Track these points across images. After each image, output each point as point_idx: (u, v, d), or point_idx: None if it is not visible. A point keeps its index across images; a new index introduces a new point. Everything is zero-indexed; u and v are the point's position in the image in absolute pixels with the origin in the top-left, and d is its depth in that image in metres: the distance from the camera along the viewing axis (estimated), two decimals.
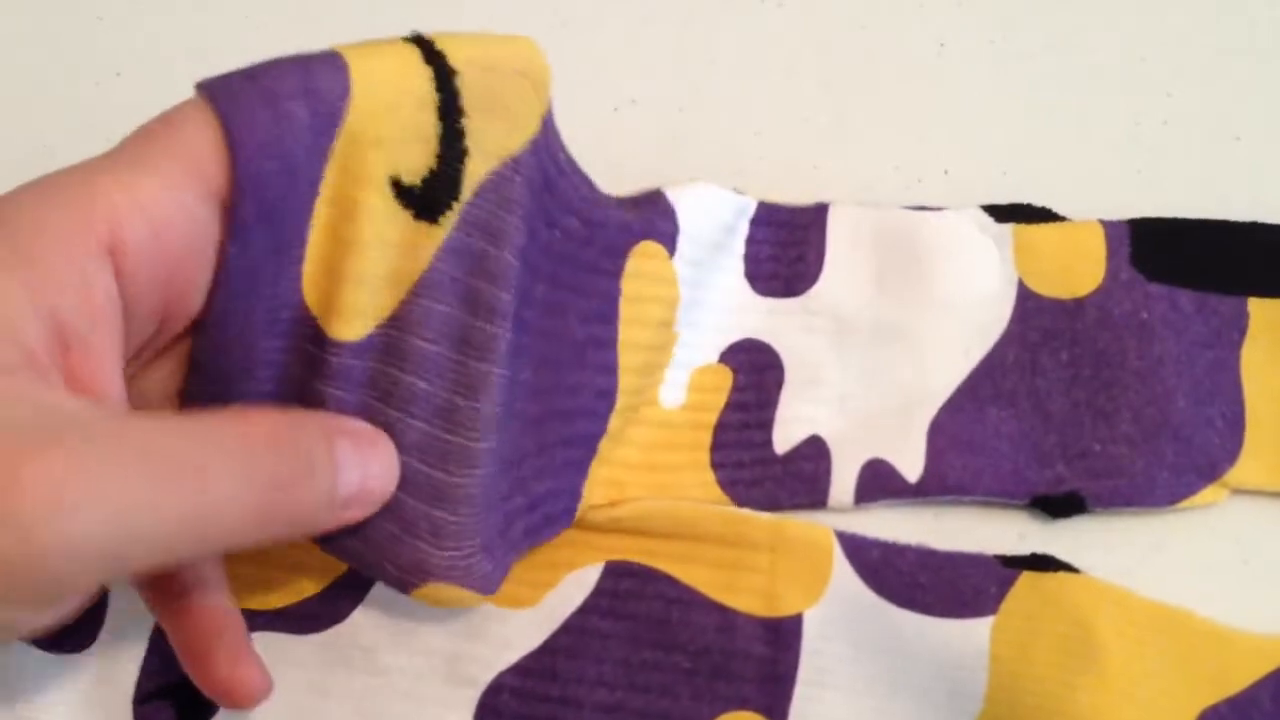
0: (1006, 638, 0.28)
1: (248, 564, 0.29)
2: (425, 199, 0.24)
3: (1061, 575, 0.29)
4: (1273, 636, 0.29)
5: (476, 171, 0.25)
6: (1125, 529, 0.31)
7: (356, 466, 0.24)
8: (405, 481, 0.25)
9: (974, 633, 0.28)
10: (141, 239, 0.21)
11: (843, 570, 0.29)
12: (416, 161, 0.24)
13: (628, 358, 0.29)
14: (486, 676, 0.29)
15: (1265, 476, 0.30)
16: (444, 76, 0.24)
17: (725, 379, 0.31)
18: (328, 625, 0.29)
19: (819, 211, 0.32)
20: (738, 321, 0.32)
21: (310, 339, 0.24)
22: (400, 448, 0.25)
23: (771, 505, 0.30)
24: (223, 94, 0.22)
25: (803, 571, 0.29)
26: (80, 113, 0.36)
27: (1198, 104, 0.35)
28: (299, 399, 0.25)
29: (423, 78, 0.24)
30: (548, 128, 0.26)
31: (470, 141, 0.24)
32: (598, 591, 0.29)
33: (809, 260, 0.32)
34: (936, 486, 0.30)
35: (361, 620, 0.29)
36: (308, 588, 0.29)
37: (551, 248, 0.27)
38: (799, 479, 0.30)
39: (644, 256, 0.29)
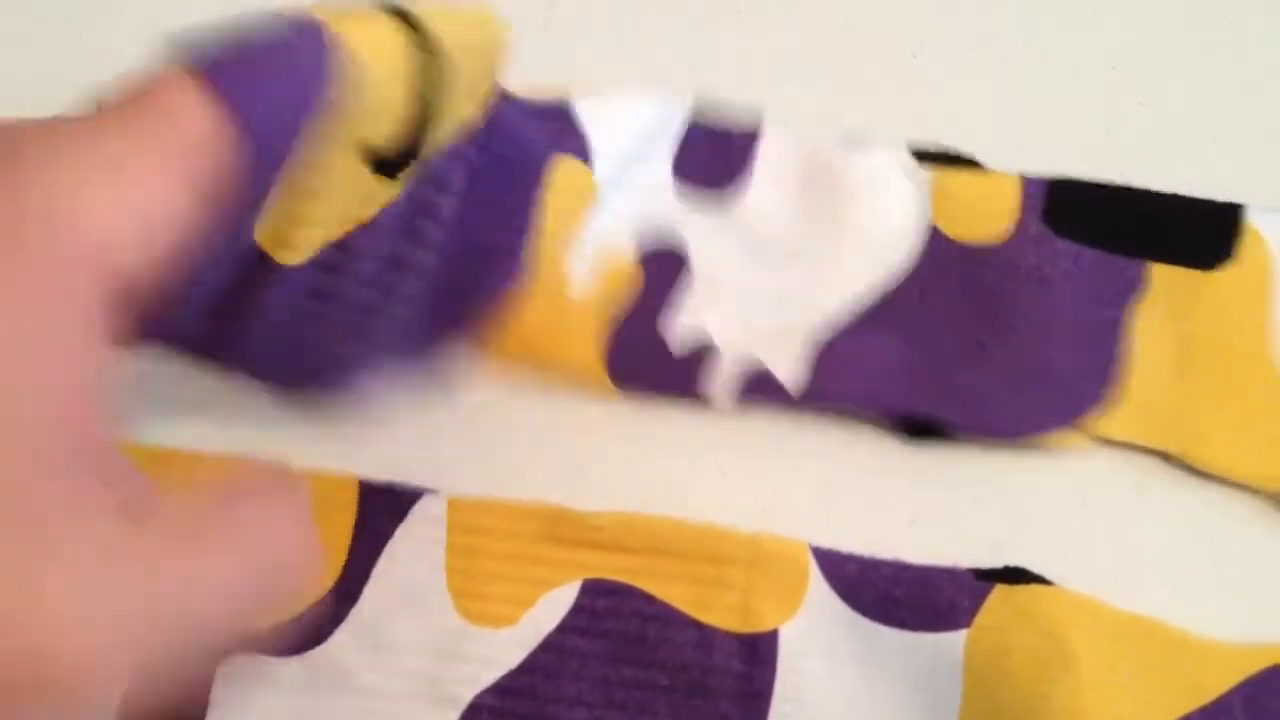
0: (980, 650, 0.29)
1: None
2: (388, 161, 0.26)
3: (1034, 587, 0.29)
4: (1245, 645, 0.29)
5: (437, 138, 0.26)
6: (1096, 539, 0.31)
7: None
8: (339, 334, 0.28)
9: (948, 646, 0.29)
10: (136, 262, 0.20)
11: (818, 586, 0.30)
12: (388, 129, 0.25)
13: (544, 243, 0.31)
14: (466, 696, 0.29)
15: (1129, 429, 0.31)
16: (428, 57, 0.25)
17: (633, 272, 0.32)
18: (309, 647, 0.29)
19: (753, 132, 0.34)
20: (658, 213, 0.33)
21: (255, 264, 0.26)
22: (334, 328, 0.27)
23: (649, 392, 0.32)
24: (224, 82, 0.21)
25: (778, 587, 0.30)
26: None
27: (1173, 108, 0.35)
28: (235, 300, 0.26)
29: (410, 60, 0.25)
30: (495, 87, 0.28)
31: (439, 115, 0.26)
32: (575, 610, 0.29)
33: (736, 175, 0.33)
34: (811, 396, 0.31)
35: (342, 642, 0.29)
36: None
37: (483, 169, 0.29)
38: (683, 373, 0.32)
39: (566, 172, 0.31)
